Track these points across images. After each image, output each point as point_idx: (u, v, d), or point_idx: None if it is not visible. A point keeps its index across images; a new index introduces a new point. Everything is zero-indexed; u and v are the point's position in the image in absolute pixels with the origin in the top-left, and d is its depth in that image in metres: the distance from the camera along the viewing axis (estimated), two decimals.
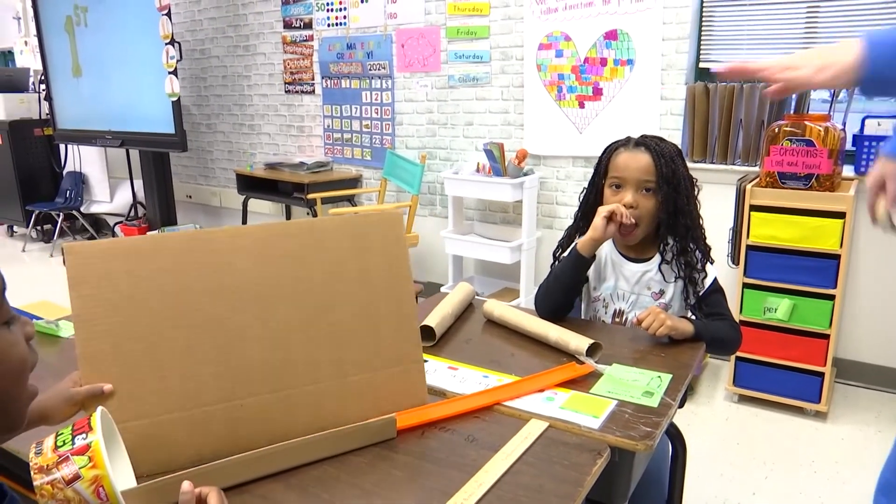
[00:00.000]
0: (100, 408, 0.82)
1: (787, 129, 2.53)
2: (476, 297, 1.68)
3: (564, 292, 1.51)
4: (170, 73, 4.18)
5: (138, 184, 5.12)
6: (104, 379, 0.92)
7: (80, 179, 5.60)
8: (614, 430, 1.05)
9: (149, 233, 4.67)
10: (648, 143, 1.49)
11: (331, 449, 0.98)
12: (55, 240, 5.43)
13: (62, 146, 5.54)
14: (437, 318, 1.43)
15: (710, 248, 1.52)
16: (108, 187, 5.57)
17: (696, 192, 1.52)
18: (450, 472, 0.95)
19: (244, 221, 4.43)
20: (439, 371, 1.27)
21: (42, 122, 5.56)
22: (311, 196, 3.85)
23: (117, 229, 5.32)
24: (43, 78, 5.26)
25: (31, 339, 0.72)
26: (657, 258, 1.52)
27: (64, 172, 5.66)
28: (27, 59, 6.21)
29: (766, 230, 2.59)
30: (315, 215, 3.88)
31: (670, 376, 1.23)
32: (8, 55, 6.85)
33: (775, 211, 2.57)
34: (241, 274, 0.99)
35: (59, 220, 5.45)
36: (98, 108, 4.83)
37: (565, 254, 1.55)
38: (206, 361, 0.96)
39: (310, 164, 4.20)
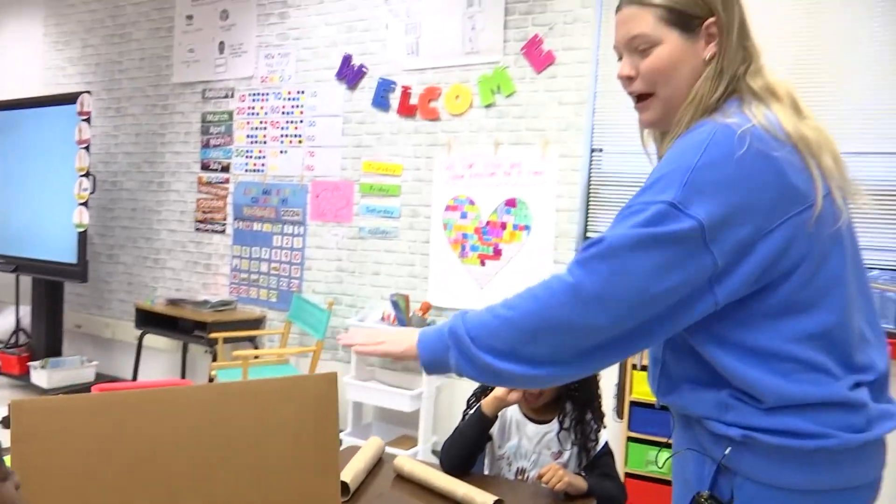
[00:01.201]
0: None
1: None
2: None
3: (468, 447, 1.64)
4: (80, 203, 4.18)
5: (25, 309, 4.90)
6: None
7: None
8: None
9: (33, 363, 4.41)
10: None
11: None
12: None
13: None
14: (350, 473, 1.50)
15: (604, 416, 1.70)
16: None
17: None
18: None
19: (138, 356, 4.30)
20: None
21: None
22: (212, 335, 3.83)
23: None
24: None
25: (18, 488, 0.77)
26: (556, 421, 1.68)
27: None
28: None
29: (647, 387, 2.84)
30: (215, 356, 3.84)
31: None
32: None
33: None
34: (182, 435, 1.05)
35: None
36: None
37: (471, 410, 1.69)
38: None
39: (213, 302, 4.21)
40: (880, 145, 2.89)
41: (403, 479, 1.61)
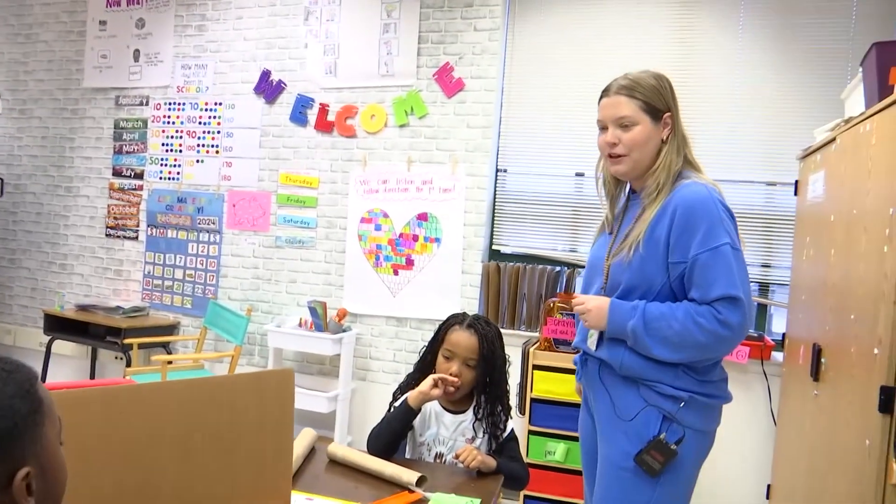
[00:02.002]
0: None
1: (559, 304, 3.22)
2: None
3: (394, 434, 1.89)
4: None
5: None
6: None
7: None
8: None
9: None
10: (477, 327, 1.97)
11: None
12: None
13: None
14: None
15: (511, 408, 2.01)
16: None
17: (507, 366, 2.01)
18: None
19: (47, 362, 4.25)
20: (299, 501, 1.55)
21: None
22: (127, 340, 3.88)
23: None
24: None
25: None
26: (471, 412, 1.96)
27: None
28: None
29: (546, 385, 3.18)
30: (129, 361, 3.89)
31: (479, 500, 1.63)
32: None
33: (552, 370, 3.17)
34: (161, 423, 1.21)
35: None
36: None
37: (397, 403, 1.94)
38: (126, 496, 1.17)
39: (126, 309, 4.23)
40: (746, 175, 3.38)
41: (336, 463, 1.83)
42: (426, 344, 2.06)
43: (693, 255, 1.62)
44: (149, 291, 4.44)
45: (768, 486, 3.14)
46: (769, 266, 3.40)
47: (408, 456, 1.98)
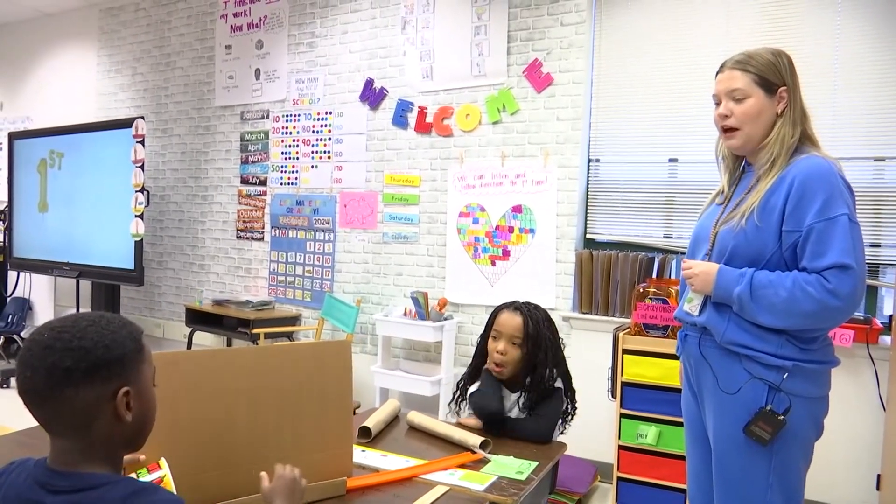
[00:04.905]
0: (162, 458, 1.31)
1: (650, 289, 3.26)
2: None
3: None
4: (136, 216, 4.71)
5: (84, 311, 5.43)
6: (156, 448, 1.36)
7: (25, 305, 5.86)
8: (493, 492, 1.58)
9: None
10: (522, 309, 2.13)
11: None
12: None
13: (11, 273, 5.85)
14: (373, 421, 1.95)
15: (573, 390, 2.14)
16: (52, 314, 5.84)
17: (558, 350, 2.14)
18: None
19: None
20: (375, 457, 1.77)
21: None
22: (255, 331, 4.32)
23: None
24: (5, 209, 5.69)
25: None
26: (518, 392, 2.13)
27: (9, 298, 5.92)
28: None
29: (637, 369, 3.23)
30: None
31: (536, 463, 1.77)
32: None
33: (642, 354, 3.22)
34: (234, 381, 1.47)
35: None
36: (60, 240, 5.26)
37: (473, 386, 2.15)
38: (210, 440, 1.44)
39: (255, 303, 4.70)
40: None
41: (414, 429, 2.04)
42: None
43: (808, 225, 1.62)
44: (274, 287, 4.90)
45: (878, 476, 3.02)
46: (878, 246, 3.25)
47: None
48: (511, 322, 2.10)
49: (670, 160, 3.68)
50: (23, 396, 1.00)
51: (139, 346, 1.07)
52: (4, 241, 5.83)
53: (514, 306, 2.14)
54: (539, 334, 2.08)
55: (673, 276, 3.51)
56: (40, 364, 0.97)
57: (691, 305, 1.82)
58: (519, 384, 2.14)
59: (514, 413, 2.10)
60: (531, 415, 2.06)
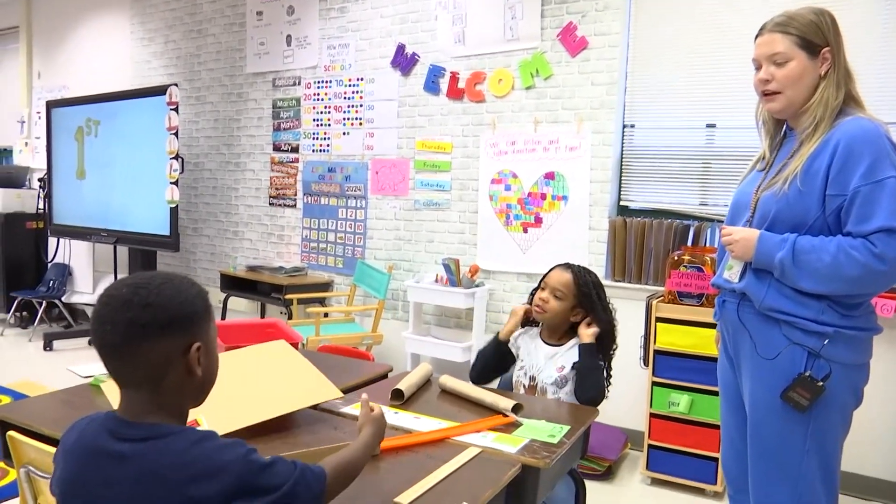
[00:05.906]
0: (202, 415, 1.35)
1: (685, 257, 3.21)
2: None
3: (485, 360, 2.25)
4: (171, 182, 4.77)
5: (122, 277, 5.56)
6: None
7: (65, 271, 6.01)
8: (525, 455, 1.58)
9: None
10: (574, 268, 2.20)
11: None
12: (34, 326, 5.76)
13: (52, 239, 5.99)
14: (405, 385, 1.96)
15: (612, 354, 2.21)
16: (91, 280, 5.98)
17: (609, 314, 2.18)
18: (414, 473, 1.46)
19: (223, 316, 4.89)
20: (408, 418, 1.79)
21: (36, 216, 6.04)
22: (288, 296, 4.37)
23: None
24: (45, 177, 5.81)
25: None
26: (565, 347, 2.16)
27: (49, 264, 6.07)
28: (25, 157, 6.76)
29: (669, 338, 3.20)
30: (290, 314, 4.38)
31: (568, 427, 1.77)
32: (3, 152, 7.38)
33: (676, 322, 3.19)
34: (244, 365, 1.61)
35: (40, 309, 5.81)
36: (97, 207, 5.36)
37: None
38: (230, 402, 1.49)
39: (287, 269, 4.75)
40: None
41: (446, 393, 2.05)
42: None
43: (854, 188, 1.57)
44: (306, 253, 4.94)
45: None
46: None
47: (514, 380, 2.26)
48: (558, 277, 2.18)
49: (708, 126, 3.59)
50: (99, 350, 1.04)
51: (207, 304, 1.11)
52: (45, 208, 5.97)
53: (568, 265, 2.22)
54: (589, 295, 2.15)
55: (709, 244, 3.45)
56: (120, 318, 1.01)
57: (731, 273, 1.79)
58: (554, 337, 2.21)
59: (545, 367, 2.15)
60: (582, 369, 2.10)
